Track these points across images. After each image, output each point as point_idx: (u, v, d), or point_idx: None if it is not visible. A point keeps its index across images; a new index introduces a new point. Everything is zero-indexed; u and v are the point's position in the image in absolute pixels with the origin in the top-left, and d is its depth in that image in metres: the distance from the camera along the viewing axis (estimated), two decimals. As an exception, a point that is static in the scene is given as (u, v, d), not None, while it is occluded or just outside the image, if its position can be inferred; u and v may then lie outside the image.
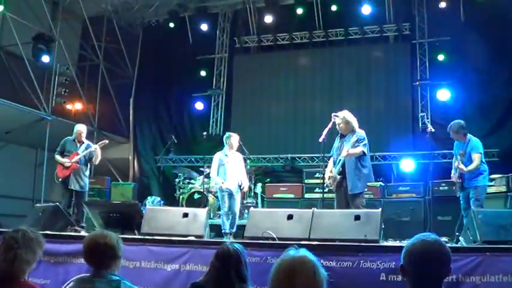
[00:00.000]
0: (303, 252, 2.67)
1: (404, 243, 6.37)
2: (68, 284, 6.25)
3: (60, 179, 10.71)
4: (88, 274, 4.18)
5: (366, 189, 9.07)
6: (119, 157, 17.05)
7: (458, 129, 9.07)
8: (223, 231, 10.37)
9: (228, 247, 4.24)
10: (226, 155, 10.76)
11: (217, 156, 10.86)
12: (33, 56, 14.51)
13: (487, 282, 5.01)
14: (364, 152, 8.69)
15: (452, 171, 9.29)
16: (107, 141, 11.48)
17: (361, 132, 8.89)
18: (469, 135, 9.07)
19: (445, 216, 11.17)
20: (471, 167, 8.73)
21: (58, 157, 10.80)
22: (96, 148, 10.92)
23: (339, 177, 8.77)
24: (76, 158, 10.71)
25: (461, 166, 8.86)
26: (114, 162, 17.15)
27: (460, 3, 15.06)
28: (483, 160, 8.94)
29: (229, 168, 10.62)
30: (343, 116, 8.99)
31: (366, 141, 8.80)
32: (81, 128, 11.14)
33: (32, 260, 4.02)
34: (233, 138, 10.84)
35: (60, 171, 10.71)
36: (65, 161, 10.67)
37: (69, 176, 10.61)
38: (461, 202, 9.07)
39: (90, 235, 4.25)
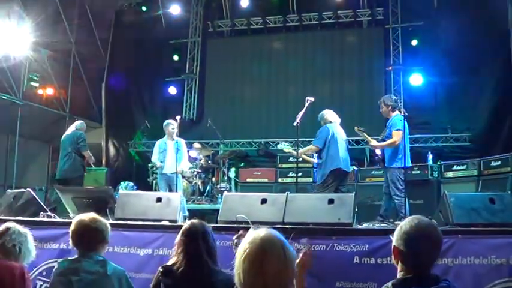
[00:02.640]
0: (270, 232, 2.61)
1: (376, 226, 6.43)
2: (42, 266, 6.20)
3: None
4: (74, 256, 4.20)
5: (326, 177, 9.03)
6: (91, 142, 16.63)
7: (387, 101, 8.85)
8: None
9: (193, 221, 4.25)
10: (165, 143, 11.00)
11: (157, 144, 11.16)
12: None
13: (459, 264, 5.06)
14: (318, 147, 9.13)
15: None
16: None
17: (322, 127, 9.22)
18: (396, 113, 8.78)
19: (417, 199, 11.24)
20: (386, 142, 8.56)
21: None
22: None
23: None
24: None
25: (373, 142, 8.77)
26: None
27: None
28: (405, 140, 8.49)
29: (168, 155, 10.86)
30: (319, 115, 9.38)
31: (320, 136, 9.12)
32: None
33: None
34: (171, 126, 10.97)
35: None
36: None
37: None
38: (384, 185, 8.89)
39: (81, 218, 4.28)
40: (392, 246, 2.99)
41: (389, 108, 8.78)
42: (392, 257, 3.04)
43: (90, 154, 11.43)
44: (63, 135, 11.52)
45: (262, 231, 2.60)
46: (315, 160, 9.96)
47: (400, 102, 14.11)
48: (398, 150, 8.48)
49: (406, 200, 8.22)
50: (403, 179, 8.40)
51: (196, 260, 4.02)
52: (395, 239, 2.99)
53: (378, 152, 9.15)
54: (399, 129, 8.43)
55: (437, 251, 2.93)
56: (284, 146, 10.57)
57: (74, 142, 11.25)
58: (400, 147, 8.43)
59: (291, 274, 2.52)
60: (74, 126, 11.61)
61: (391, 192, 8.41)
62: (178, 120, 10.82)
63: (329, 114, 9.35)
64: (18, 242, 4.34)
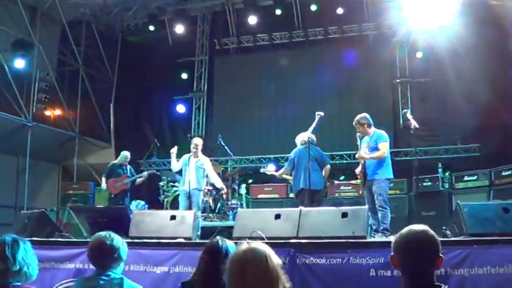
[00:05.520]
0: (255, 243, 2.70)
1: (391, 238, 6.44)
2: (59, 287, 6.22)
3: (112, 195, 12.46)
4: (91, 274, 4.22)
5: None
6: (101, 162, 16.86)
7: (361, 120, 8.83)
8: None
9: (218, 241, 4.25)
10: (189, 159, 10.96)
11: (183, 157, 11.10)
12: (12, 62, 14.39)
13: (475, 274, 5.06)
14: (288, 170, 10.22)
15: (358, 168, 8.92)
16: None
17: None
18: (373, 128, 8.81)
19: (429, 211, 11.27)
20: (375, 154, 8.48)
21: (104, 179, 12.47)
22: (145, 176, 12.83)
23: None
24: (126, 181, 12.48)
25: (362, 154, 8.64)
26: (97, 167, 17.02)
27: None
28: (388, 152, 8.64)
29: (189, 171, 10.83)
30: None
31: (289, 159, 10.13)
32: (128, 155, 12.94)
33: None
34: (198, 146, 11.07)
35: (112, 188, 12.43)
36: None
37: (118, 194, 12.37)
38: (365, 200, 8.78)
39: (97, 236, 4.29)
40: (390, 255, 3.01)
41: (365, 125, 8.80)
42: None
43: (105, 184, 12.39)
44: None
45: (247, 245, 2.71)
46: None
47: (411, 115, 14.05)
48: (383, 162, 8.52)
49: (389, 211, 8.32)
50: (387, 191, 8.59)
51: (214, 279, 4.04)
52: (392, 248, 3.00)
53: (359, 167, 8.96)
54: (385, 141, 8.55)
55: (431, 256, 2.87)
56: (265, 170, 11.07)
57: None
58: (385, 159, 8.53)
59: (275, 282, 2.58)
60: None
61: (377, 203, 8.35)
62: (189, 138, 10.92)
63: (297, 138, 9.89)
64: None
